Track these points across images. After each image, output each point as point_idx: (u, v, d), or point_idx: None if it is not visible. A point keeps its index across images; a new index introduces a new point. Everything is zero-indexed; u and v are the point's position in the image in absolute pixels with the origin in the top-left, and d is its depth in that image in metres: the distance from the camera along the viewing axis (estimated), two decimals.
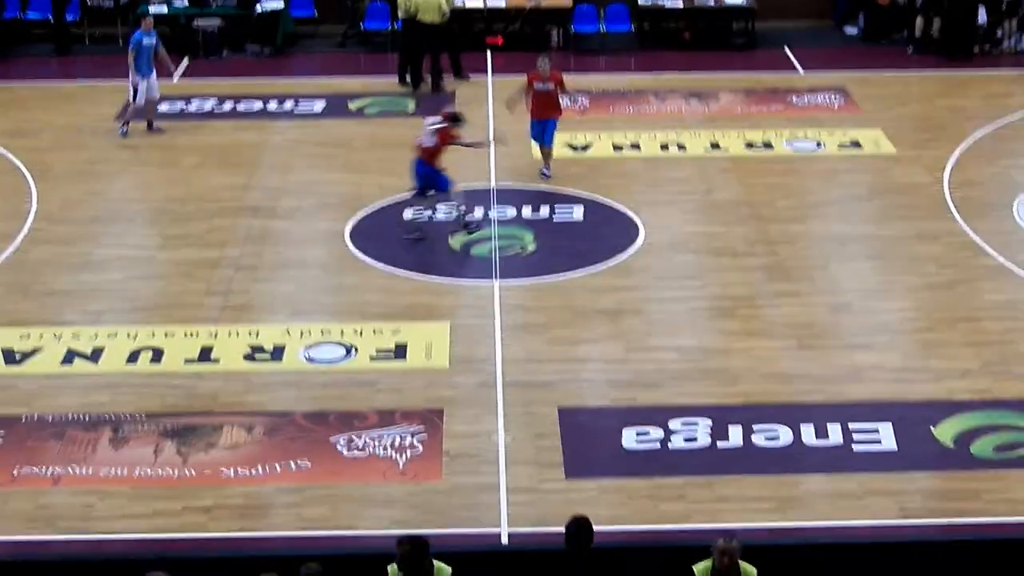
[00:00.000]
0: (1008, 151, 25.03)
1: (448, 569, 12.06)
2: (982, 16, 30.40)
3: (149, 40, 25.56)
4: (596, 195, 22.96)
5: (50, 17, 31.27)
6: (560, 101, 23.75)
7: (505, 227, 21.92)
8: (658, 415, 16.77)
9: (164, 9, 30.60)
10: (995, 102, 27.43)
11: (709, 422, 16.63)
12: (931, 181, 23.62)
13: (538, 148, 23.77)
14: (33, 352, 18.28)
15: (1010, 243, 21.27)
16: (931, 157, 24.63)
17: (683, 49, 31.26)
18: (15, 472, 15.76)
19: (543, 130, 23.52)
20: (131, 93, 25.59)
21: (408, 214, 21.98)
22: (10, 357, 18.16)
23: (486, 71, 28.82)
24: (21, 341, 18.50)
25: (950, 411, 16.83)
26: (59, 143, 25.58)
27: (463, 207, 21.65)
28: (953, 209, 22.50)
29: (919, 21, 30.74)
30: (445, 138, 21.45)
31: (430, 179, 21.41)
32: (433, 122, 21.64)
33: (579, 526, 12.43)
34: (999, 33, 30.54)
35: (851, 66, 29.95)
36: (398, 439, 16.35)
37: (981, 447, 16.17)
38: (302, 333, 18.78)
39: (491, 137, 23.44)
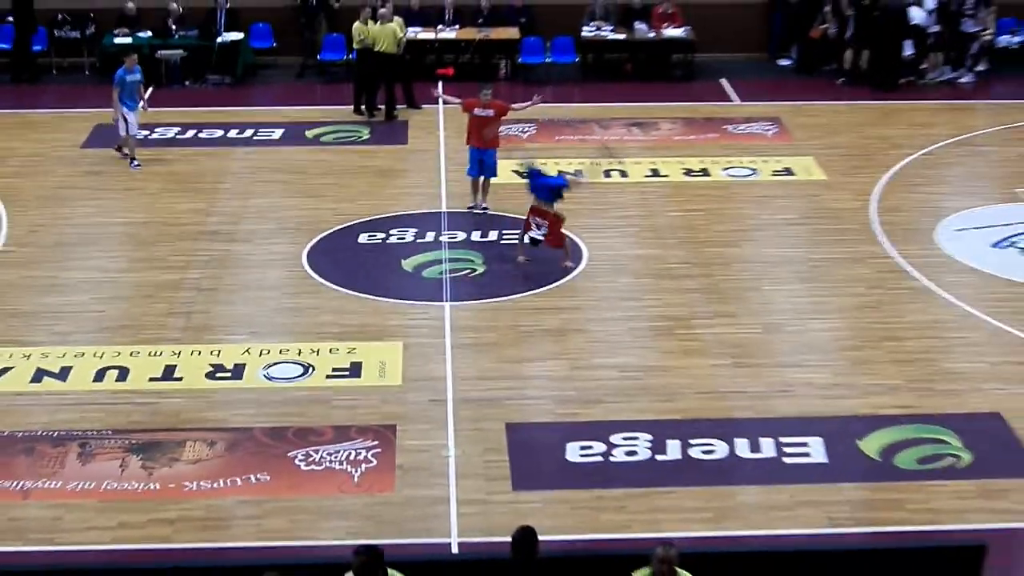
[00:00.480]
0: (931, 178, 25.32)
1: None
2: (909, 49, 30.72)
3: (132, 77, 25.53)
4: None
5: (21, 47, 31.23)
6: (498, 132, 23.57)
7: (455, 250, 22.05)
8: (600, 430, 16.91)
9: (129, 40, 30.61)
10: (920, 131, 27.72)
11: (648, 436, 16.78)
12: (859, 207, 23.87)
13: (472, 184, 23.61)
14: (3, 371, 18.30)
15: (932, 266, 21.53)
16: (859, 184, 24.90)
17: (625, 80, 31.46)
18: None
19: (482, 160, 23.28)
20: (122, 127, 25.57)
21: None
22: None
23: (437, 101, 28.95)
24: None
25: (876, 425, 17.03)
26: (26, 170, 25.58)
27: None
28: (880, 233, 22.76)
29: (849, 54, 31.04)
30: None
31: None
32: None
33: (525, 536, 12.52)
34: (924, 66, 30.89)
35: (784, 97, 30.18)
36: (353, 453, 16.44)
37: (905, 459, 16.37)
38: (261, 352, 18.85)
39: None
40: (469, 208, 23.46)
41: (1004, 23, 32.19)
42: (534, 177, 21.70)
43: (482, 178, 23.45)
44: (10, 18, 30.93)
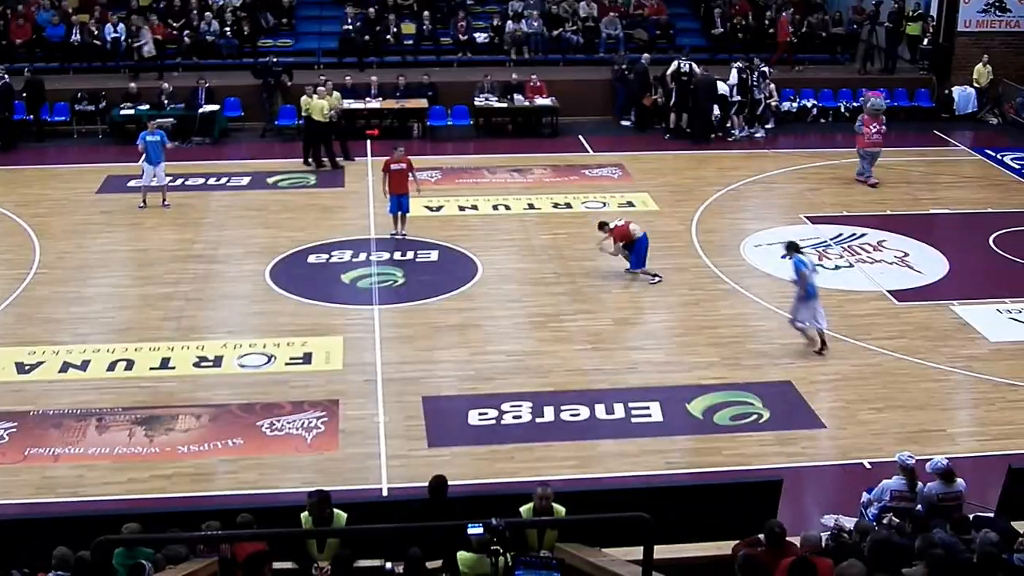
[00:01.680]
0: (736, 208, 25.39)
1: (344, 515, 11.95)
2: (716, 112, 30.79)
3: (152, 138, 25.00)
4: (447, 243, 22.88)
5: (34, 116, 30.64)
6: (410, 179, 23.12)
7: (382, 267, 21.80)
8: (493, 400, 16.89)
9: (132, 112, 30.07)
10: (727, 173, 27.76)
11: (530, 404, 16.78)
12: (683, 229, 23.87)
13: (393, 218, 23.10)
14: (37, 364, 17.93)
15: (739, 272, 21.59)
16: (683, 212, 24.88)
17: (507, 137, 31.28)
18: (25, 452, 15.57)
19: (399, 202, 22.92)
20: (142, 176, 25.08)
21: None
22: (21, 368, 17.82)
23: (366, 154, 28.66)
24: (28, 356, 18.14)
25: (699, 392, 17.14)
26: (54, 210, 24.97)
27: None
28: (698, 248, 22.78)
29: (672, 116, 31.13)
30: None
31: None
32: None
33: (438, 482, 12.40)
34: (729, 124, 30.94)
35: (626, 149, 30.06)
36: (306, 422, 16.30)
37: (721, 417, 16.48)
38: (235, 346, 18.58)
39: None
40: (391, 235, 23.13)
41: (785, 92, 32.43)
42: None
43: (400, 214, 23.13)
44: (24, 94, 30.24)
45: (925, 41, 34.20)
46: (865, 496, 13.40)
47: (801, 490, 14.63)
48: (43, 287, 20.93)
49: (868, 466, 15.17)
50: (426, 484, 12.43)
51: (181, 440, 15.86)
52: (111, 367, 17.87)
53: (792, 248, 18.89)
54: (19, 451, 15.55)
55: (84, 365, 17.92)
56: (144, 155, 24.92)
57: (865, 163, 27.03)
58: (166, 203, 25.19)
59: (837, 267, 21.95)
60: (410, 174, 23.11)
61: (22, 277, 21.27)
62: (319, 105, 27.78)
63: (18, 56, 32.15)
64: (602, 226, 21.62)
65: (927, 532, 11.48)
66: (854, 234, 23.57)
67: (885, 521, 12.35)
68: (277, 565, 11.51)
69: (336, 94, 28.69)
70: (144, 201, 25.07)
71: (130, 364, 17.95)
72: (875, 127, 26.81)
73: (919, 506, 12.84)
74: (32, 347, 18.47)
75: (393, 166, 22.94)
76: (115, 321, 19.58)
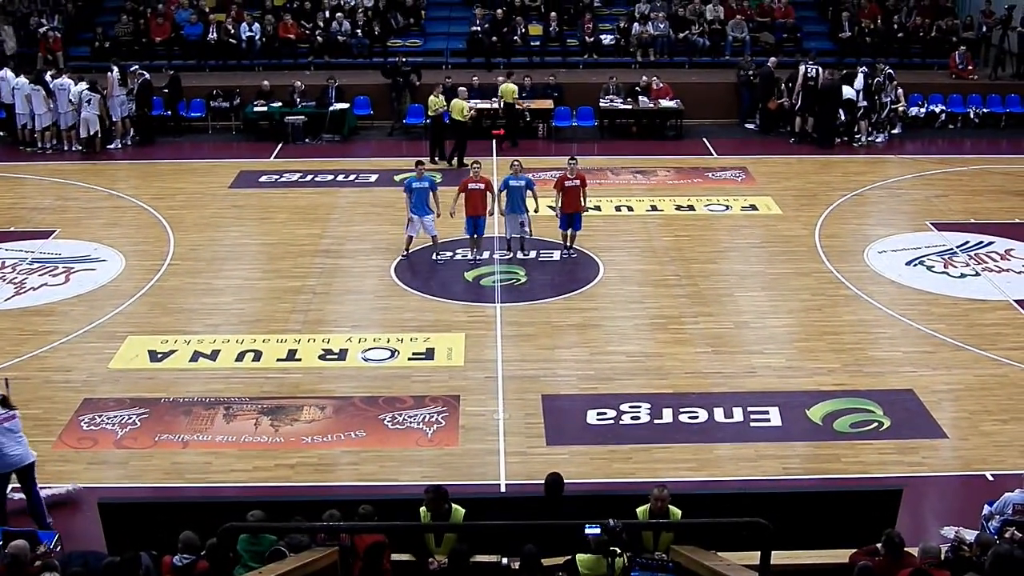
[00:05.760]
0: (860, 213, 24.97)
1: (462, 510, 12.00)
2: (842, 115, 30.30)
3: (420, 184, 21.71)
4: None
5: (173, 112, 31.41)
6: (488, 200, 22.00)
7: (504, 265, 21.87)
8: (612, 400, 16.81)
9: (264, 108, 30.61)
10: (852, 179, 27.34)
11: (648, 405, 16.66)
12: (806, 234, 23.56)
13: (470, 239, 22.12)
14: (170, 353, 18.30)
15: (861, 279, 21.23)
16: (806, 217, 24.56)
17: (631, 139, 31.17)
18: (156, 438, 15.85)
19: (475, 225, 21.85)
20: (406, 225, 22.26)
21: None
22: (153, 356, 18.18)
23: (491, 153, 28.71)
24: (161, 345, 18.53)
25: (819, 398, 16.88)
26: (188, 203, 25.49)
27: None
28: (822, 254, 22.44)
29: (798, 120, 30.72)
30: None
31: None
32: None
33: (554, 480, 12.41)
34: (856, 129, 30.45)
35: (750, 152, 29.83)
36: (427, 416, 16.37)
37: (841, 424, 16.20)
38: (360, 340, 18.77)
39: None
40: (469, 261, 22.12)
41: (914, 97, 31.86)
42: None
43: (477, 236, 22.10)
44: (165, 90, 30.92)
45: None
46: (987, 509, 13.10)
47: (921, 500, 14.34)
48: (176, 278, 21.36)
49: (991, 478, 14.81)
50: (543, 481, 12.44)
51: (305, 431, 16.06)
52: (239, 357, 18.17)
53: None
54: (150, 437, 15.88)
55: (214, 355, 18.25)
56: (411, 204, 21.89)
57: None
58: (438, 258, 22.22)
59: (963, 275, 21.47)
60: (488, 194, 21.97)
61: (157, 268, 21.74)
62: (460, 105, 27.97)
63: (158, 54, 32.93)
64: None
65: None
66: (981, 242, 23.04)
67: (1007, 535, 12.05)
68: (395, 556, 11.62)
69: (462, 92, 28.86)
70: (407, 250, 22.23)
71: (258, 355, 18.25)
72: None
73: None
74: (164, 336, 18.87)
75: (471, 185, 21.82)
76: (244, 312, 19.92)
